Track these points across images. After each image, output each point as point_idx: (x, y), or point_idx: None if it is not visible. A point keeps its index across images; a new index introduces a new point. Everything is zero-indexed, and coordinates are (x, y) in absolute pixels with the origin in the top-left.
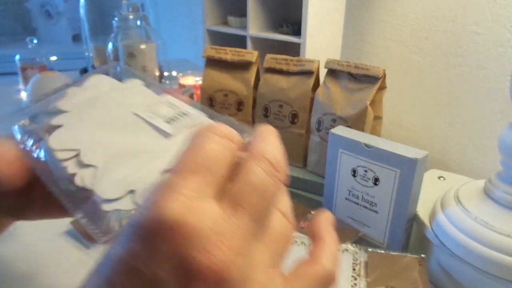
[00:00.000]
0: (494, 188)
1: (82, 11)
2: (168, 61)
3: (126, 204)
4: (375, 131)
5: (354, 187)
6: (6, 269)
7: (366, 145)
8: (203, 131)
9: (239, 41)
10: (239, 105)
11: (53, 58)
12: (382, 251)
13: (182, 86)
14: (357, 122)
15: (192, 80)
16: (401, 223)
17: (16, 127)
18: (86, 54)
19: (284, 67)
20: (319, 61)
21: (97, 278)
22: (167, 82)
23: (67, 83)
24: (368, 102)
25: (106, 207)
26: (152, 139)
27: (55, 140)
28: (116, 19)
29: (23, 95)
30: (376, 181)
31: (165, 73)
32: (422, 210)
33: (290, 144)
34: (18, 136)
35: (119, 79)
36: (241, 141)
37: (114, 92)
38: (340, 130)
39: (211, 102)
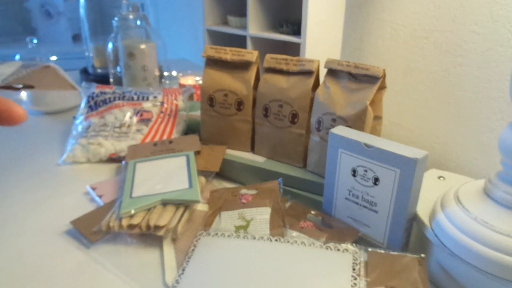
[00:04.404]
0: (494, 188)
1: (82, 11)
2: (168, 61)
3: None
4: (375, 131)
5: (354, 187)
6: (6, 270)
7: (366, 145)
8: None
9: (239, 41)
10: (239, 105)
11: (53, 58)
12: (382, 251)
13: (182, 86)
14: (357, 122)
15: (192, 80)
16: (401, 223)
17: None
18: (86, 54)
19: (284, 67)
20: (319, 61)
21: None
22: (167, 82)
23: None
24: (368, 102)
25: None
26: None
27: None
28: (116, 19)
29: (23, 95)
30: (376, 181)
31: (165, 73)
32: (422, 210)
33: (290, 144)
34: None
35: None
36: None
37: None
38: (340, 130)
39: (211, 102)
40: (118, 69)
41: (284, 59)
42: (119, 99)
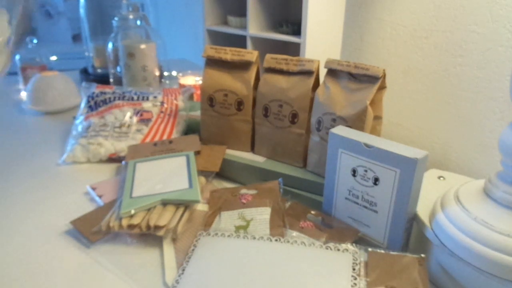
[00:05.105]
0: (494, 188)
1: (82, 11)
2: (168, 61)
3: None
4: (375, 131)
5: (354, 187)
6: (5, 270)
7: (366, 145)
8: None
9: (239, 41)
10: (239, 105)
11: (53, 58)
12: (382, 251)
13: (182, 86)
14: (357, 122)
15: (192, 80)
16: (401, 223)
17: None
18: (86, 54)
19: (284, 67)
20: (319, 61)
21: None
22: (167, 82)
23: None
24: (368, 102)
25: None
26: None
27: None
28: (116, 19)
29: (23, 95)
30: (376, 181)
31: (165, 73)
32: (422, 210)
33: (290, 144)
34: None
35: None
36: None
37: None
38: (340, 130)
39: (211, 102)
40: (118, 69)
41: (284, 59)
42: (119, 99)
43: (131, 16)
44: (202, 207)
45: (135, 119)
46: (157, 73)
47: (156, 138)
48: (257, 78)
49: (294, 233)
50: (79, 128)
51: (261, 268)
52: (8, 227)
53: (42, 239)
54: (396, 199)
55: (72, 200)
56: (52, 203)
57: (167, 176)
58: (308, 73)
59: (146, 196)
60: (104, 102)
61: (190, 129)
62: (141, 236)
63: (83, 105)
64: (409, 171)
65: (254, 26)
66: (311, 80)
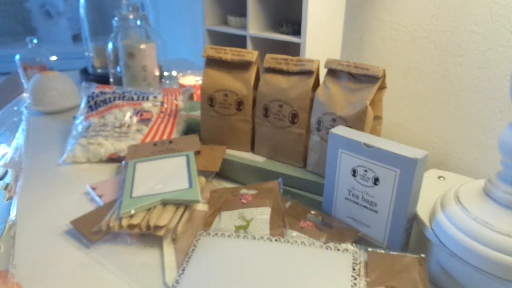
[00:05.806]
0: (494, 188)
1: (82, 11)
2: (168, 61)
3: None
4: (375, 131)
5: (354, 187)
6: None
7: (366, 145)
8: None
9: (239, 41)
10: (239, 105)
11: (53, 58)
12: (382, 251)
13: (182, 86)
14: (357, 122)
15: (192, 80)
16: (401, 223)
17: None
18: (86, 54)
19: (284, 67)
20: (319, 61)
21: None
22: (167, 82)
23: None
24: (368, 102)
25: None
26: None
27: None
28: (116, 19)
29: (23, 95)
30: (376, 181)
31: (165, 73)
32: (422, 210)
33: (290, 144)
34: None
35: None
36: None
37: None
38: (340, 130)
39: (211, 102)
40: (118, 69)
41: (284, 59)
42: (119, 99)
43: (131, 16)
44: (202, 207)
45: (135, 119)
46: (157, 73)
47: (156, 138)
48: (257, 78)
49: (294, 233)
50: (79, 128)
51: (261, 268)
52: None
53: (42, 239)
54: (396, 199)
55: (72, 200)
56: (52, 203)
57: (167, 176)
58: (308, 73)
59: (146, 196)
60: (104, 102)
61: (190, 129)
62: (141, 236)
63: (83, 105)
64: (409, 171)
65: (254, 26)
66: (311, 80)
